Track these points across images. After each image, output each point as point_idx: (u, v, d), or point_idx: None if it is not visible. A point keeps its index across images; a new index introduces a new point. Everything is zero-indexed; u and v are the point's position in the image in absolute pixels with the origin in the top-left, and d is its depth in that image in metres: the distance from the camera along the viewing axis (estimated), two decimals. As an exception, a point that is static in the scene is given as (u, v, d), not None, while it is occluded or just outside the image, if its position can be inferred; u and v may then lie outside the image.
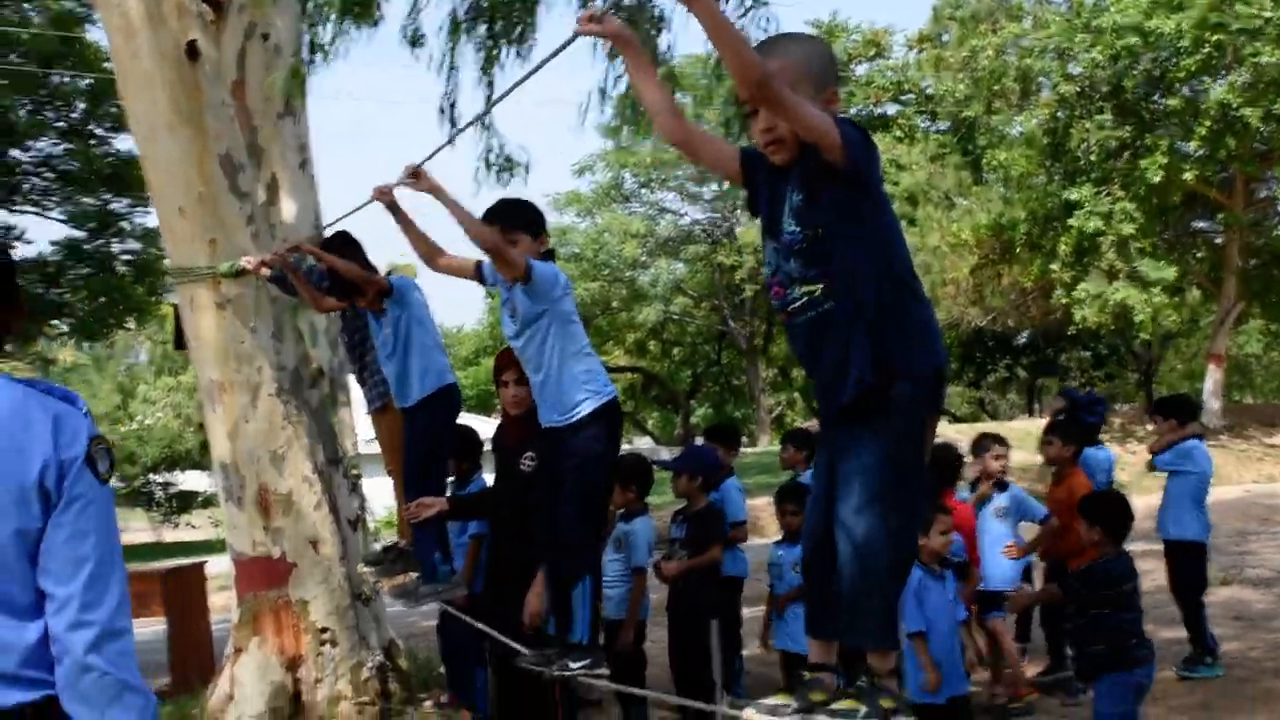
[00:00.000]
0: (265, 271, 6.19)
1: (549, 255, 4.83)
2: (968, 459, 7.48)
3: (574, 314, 4.68)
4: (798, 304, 2.96)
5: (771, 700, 2.99)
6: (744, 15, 7.90)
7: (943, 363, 3.03)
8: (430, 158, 4.58)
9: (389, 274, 5.68)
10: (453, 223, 4.47)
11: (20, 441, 2.19)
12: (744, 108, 3.02)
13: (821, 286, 2.91)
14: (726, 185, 36.58)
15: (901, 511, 2.89)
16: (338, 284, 5.70)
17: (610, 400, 4.63)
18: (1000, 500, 7.07)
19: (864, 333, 2.87)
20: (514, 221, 4.69)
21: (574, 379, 4.57)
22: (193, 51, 6.45)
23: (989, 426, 27.96)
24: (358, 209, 5.32)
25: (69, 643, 2.18)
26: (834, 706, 2.91)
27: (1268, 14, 20.47)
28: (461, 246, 4.79)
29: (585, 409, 4.54)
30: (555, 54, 3.26)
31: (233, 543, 6.93)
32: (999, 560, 6.99)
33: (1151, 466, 7.71)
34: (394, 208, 4.85)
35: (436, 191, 4.51)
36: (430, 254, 4.89)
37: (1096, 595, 5.44)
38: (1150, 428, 26.22)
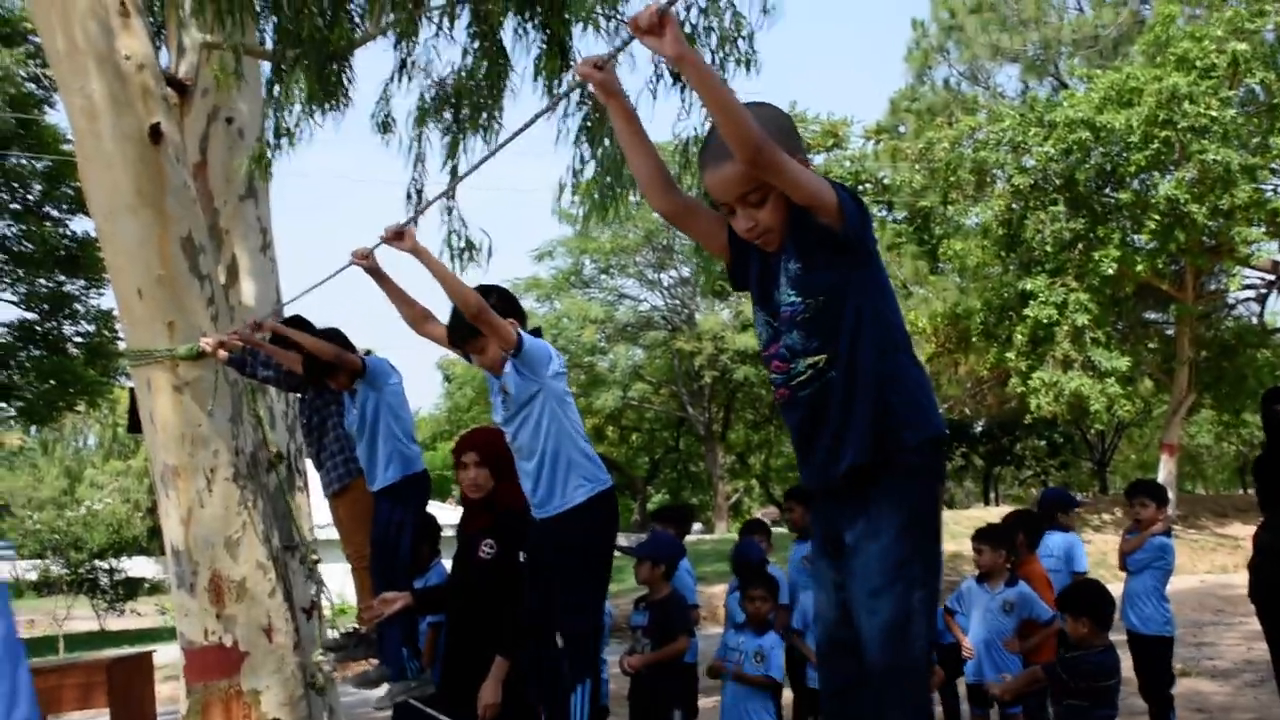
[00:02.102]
0: (223, 354, 6.14)
1: (536, 334, 4.75)
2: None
3: (568, 395, 4.51)
4: (803, 377, 2.85)
5: None
6: (705, 103, 7.92)
7: (944, 430, 2.94)
8: (412, 220, 4.45)
9: (366, 354, 5.60)
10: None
11: None
12: (721, 209, 2.91)
13: (825, 357, 2.81)
14: (686, 272, 36.88)
15: (925, 587, 2.77)
16: (310, 365, 5.63)
17: (606, 489, 4.45)
18: (1008, 595, 6.75)
19: (869, 402, 2.77)
20: (499, 304, 4.55)
21: (570, 465, 4.37)
22: (156, 134, 6.39)
23: (947, 515, 28.01)
24: (334, 275, 5.17)
25: None
26: None
27: (1214, 113, 20.94)
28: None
29: (579, 498, 4.38)
30: (549, 108, 3.18)
31: (183, 631, 6.74)
32: (1003, 655, 6.68)
33: (1124, 566, 7.38)
34: (375, 272, 4.69)
35: (420, 252, 4.28)
36: (416, 318, 4.74)
37: (1080, 686, 5.32)
38: (1105, 517, 26.49)
